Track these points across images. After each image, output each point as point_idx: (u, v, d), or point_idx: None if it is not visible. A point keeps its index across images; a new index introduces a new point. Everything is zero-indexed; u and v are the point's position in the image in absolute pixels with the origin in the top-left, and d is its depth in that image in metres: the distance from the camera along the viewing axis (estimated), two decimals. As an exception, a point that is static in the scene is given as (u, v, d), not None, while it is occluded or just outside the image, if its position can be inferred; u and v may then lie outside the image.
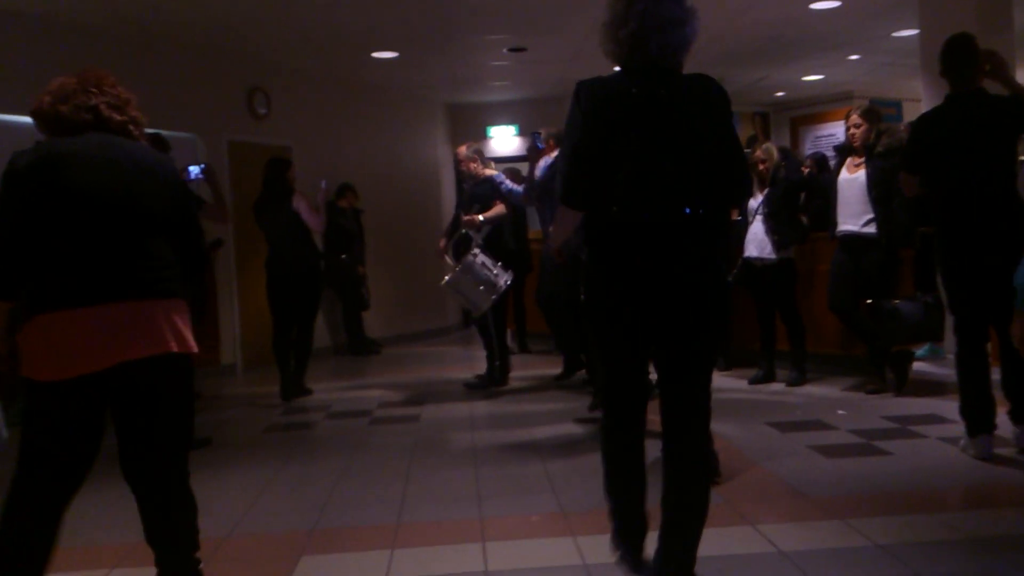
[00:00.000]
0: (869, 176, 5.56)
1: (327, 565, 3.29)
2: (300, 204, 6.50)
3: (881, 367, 5.83)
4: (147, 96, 8.16)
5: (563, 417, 5.62)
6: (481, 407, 6.19)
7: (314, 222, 6.56)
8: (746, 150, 10.76)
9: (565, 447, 4.92)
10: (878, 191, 5.47)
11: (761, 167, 6.27)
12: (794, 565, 3.03)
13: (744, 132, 12.96)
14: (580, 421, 5.46)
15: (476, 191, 6.70)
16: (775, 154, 6.37)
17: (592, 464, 4.47)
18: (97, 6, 6.67)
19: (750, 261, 6.23)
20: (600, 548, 3.28)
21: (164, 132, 7.87)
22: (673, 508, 2.74)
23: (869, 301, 5.58)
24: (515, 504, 3.93)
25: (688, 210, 2.60)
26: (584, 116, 2.66)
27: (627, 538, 2.89)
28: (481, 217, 6.52)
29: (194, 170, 5.34)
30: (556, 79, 10.15)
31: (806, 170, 6.45)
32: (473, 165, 6.77)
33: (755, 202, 6.24)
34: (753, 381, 6.38)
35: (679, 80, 2.70)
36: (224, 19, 7.19)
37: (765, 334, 6.50)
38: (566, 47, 8.65)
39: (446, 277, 6.25)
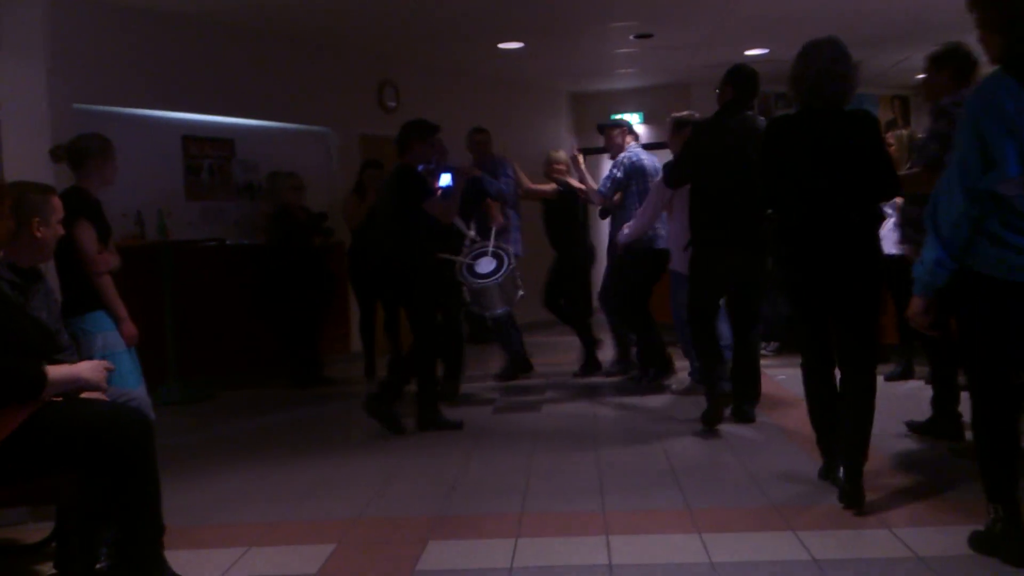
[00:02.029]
0: None
1: (453, 551, 3.34)
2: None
3: None
4: (281, 91, 8.52)
5: (688, 413, 5.54)
6: (602, 399, 6.17)
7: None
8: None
9: (689, 442, 4.86)
10: None
11: (890, 150, 5.98)
12: (932, 571, 2.91)
13: (883, 116, 12.41)
14: (704, 418, 5.37)
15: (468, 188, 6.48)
16: (905, 141, 6.06)
17: (716, 460, 4.42)
18: (232, 5, 6.94)
19: (890, 257, 5.94)
20: (726, 546, 3.23)
21: (298, 126, 8.22)
22: (849, 418, 3.66)
23: None
24: (638, 498, 3.90)
25: (839, 214, 3.59)
26: (765, 147, 3.85)
27: (827, 455, 3.83)
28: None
29: (445, 179, 5.65)
30: (683, 66, 9.98)
31: None
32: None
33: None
34: (889, 377, 6.13)
35: (842, 116, 3.70)
36: (354, 14, 7.38)
37: (904, 329, 6.23)
38: (694, 33, 8.50)
39: (474, 277, 5.89)
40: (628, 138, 6.66)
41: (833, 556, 3.08)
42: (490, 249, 6.03)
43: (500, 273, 5.90)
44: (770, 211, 4.19)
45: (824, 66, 3.68)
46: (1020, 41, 2.74)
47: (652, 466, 4.39)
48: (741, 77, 5.04)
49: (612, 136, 6.64)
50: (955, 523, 3.35)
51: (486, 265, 5.98)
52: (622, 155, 6.50)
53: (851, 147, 3.63)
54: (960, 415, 4.49)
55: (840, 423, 3.70)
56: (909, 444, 4.56)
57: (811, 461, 4.18)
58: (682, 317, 5.82)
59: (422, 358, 5.35)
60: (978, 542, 3.02)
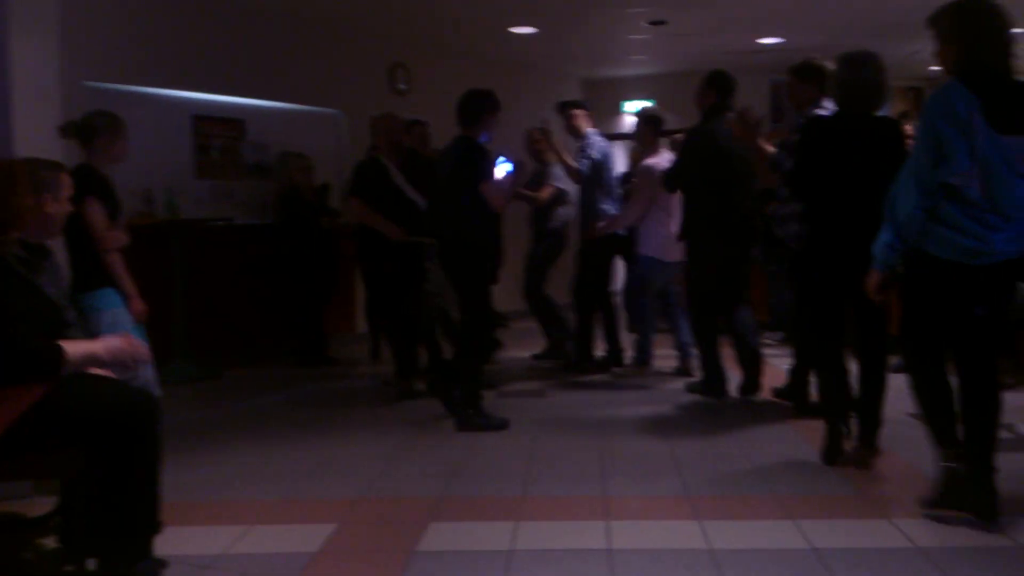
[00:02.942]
0: None
1: (454, 532, 3.37)
2: None
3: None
4: (292, 72, 8.49)
5: (691, 400, 5.55)
6: (605, 386, 6.18)
7: None
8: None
9: (692, 430, 4.87)
10: None
11: (909, 142, 5.96)
12: (931, 562, 2.91)
13: (896, 107, 12.34)
14: (708, 406, 5.39)
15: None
16: None
17: (719, 448, 4.43)
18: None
19: None
20: (726, 533, 3.24)
21: (309, 108, 8.20)
22: (868, 387, 4.16)
23: None
24: (639, 484, 3.92)
25: (872, 210, 3.62)
26: (803, 145, 4.10)
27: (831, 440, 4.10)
28: None
29: (505, 168, 5.21)
30: (696, 53, 9.92)
31: None
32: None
33: None
34: (892, 369, 6.11)
35: (875, 121, 4.06)
36: (368, -4, 7.37)
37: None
38: (707, 20, 8.44)
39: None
40: (587, 123, 6.67)
41: (832, 545, 3.09)
42: None
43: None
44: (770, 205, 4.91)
45: (872, 76, 4.02)
46: (972, 54, 3.18)
47: (654, 452, 4.40)
48: (726, 83, 5.42)
49: (575, 117, 6.64)
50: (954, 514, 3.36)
51: None
52: (592, 139, 6.55)
53: (881, 149, 3.99)
54: None
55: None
56: (911, 434, 4.55)
57: (812, 450, 4.19)
58: (635, 295, 6.35)
59: (468, 349, 5.09)
60: (941, 497, 3.33)
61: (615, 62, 10.62)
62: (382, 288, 6.01)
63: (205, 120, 7.44)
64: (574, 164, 6.59)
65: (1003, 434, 4.49)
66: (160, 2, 6.82)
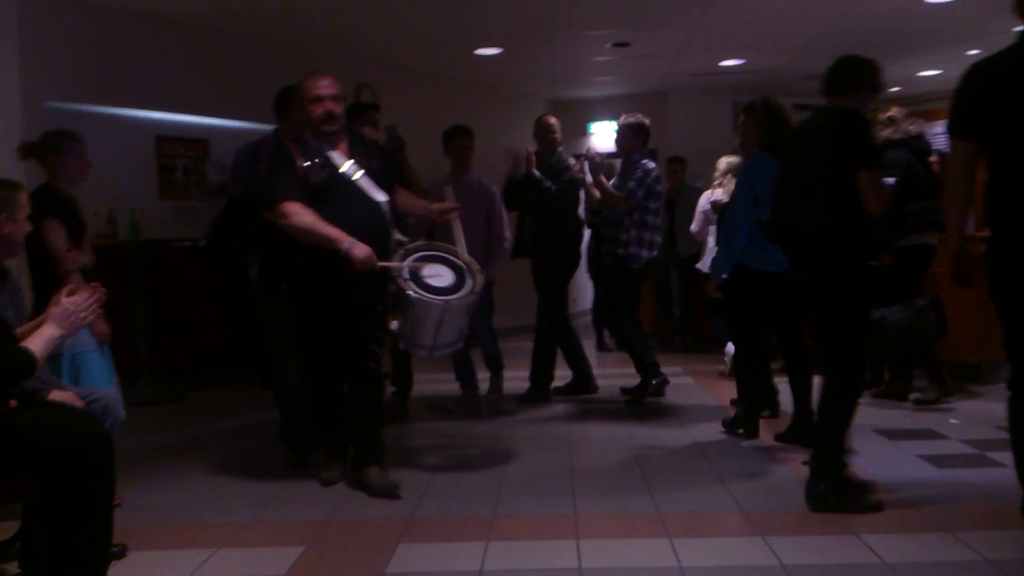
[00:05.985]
0: None
1: (424, 553, 3.34)
2: None
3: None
4: (257, 92, 8.39)
5: (661, 417, 5.58)
6: (577, 405, 6.18)
7: None
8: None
9: (662, 448, 4.88)
10: None
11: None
12: (898, 577, 2.94)
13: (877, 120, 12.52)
14: (678, 423, 5.42)
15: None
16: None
17: (689, 466, 4.45)
18: (208, 6, 6.90)
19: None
20: (696, 551, 3.25)
21: (273, 127, 8.16)
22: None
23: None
24: (610, 503, 3.92)
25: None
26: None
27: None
28: None
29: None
30: (660, 74, 10.04)
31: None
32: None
33: None
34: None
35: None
36: (331, 17, 7.36)
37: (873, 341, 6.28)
38: (671, 42, 8.55)
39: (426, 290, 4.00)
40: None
41: (800, 561, 3.11)
42: (448, 257, 4.25)
43: (465, 291, 4.08)
44: None
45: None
46: (775, 133, 4.55)
47: (624, 471, 4.41)
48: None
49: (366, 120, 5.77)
50: (922, 531, 3.40)
51: (441, 276, 4.12)
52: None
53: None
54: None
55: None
56: (878, 450, 4.60)
57: (781, 467, 4.22)
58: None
59: (839, 398, 3.79)
60: (728, 425, 5.02)
61: (581, 83, 10.71)
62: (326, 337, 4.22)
63: (168, 140, 7.38)
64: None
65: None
66: (122, 22, 6.76)
